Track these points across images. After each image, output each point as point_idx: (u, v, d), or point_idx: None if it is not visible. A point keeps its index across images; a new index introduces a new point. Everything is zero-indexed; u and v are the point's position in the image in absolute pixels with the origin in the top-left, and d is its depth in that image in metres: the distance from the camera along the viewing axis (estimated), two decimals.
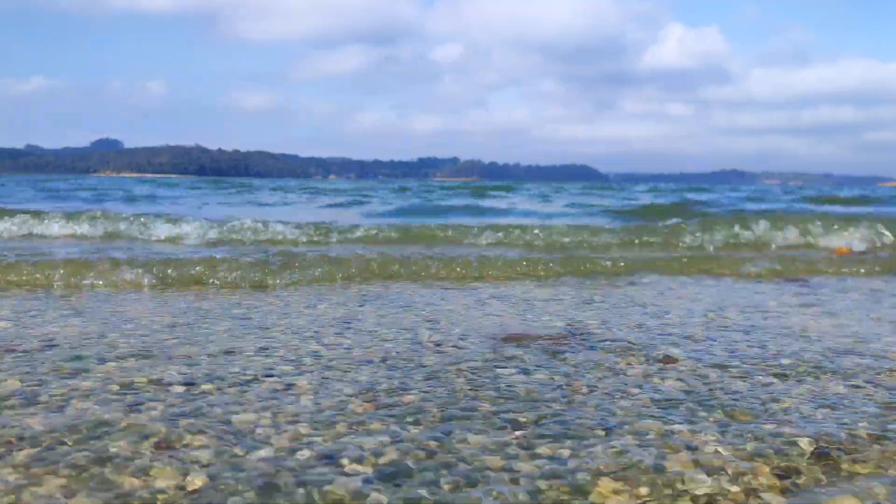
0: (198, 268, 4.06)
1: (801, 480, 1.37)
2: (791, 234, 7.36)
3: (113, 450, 1.40)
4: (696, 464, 1.40)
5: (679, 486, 1.31)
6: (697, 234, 7.29)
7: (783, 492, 1.31)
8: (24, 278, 3.84)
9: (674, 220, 8.56)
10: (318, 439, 1.49)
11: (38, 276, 3.85)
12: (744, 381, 2.01)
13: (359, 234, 7.32)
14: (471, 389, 1.88)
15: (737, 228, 7.57)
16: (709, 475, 1.35)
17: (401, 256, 4.83)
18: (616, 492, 1.28)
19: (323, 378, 1.97)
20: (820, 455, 1.46)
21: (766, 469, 1.39)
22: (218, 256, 4.53)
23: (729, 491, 1.29)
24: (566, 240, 7.08)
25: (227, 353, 2.26)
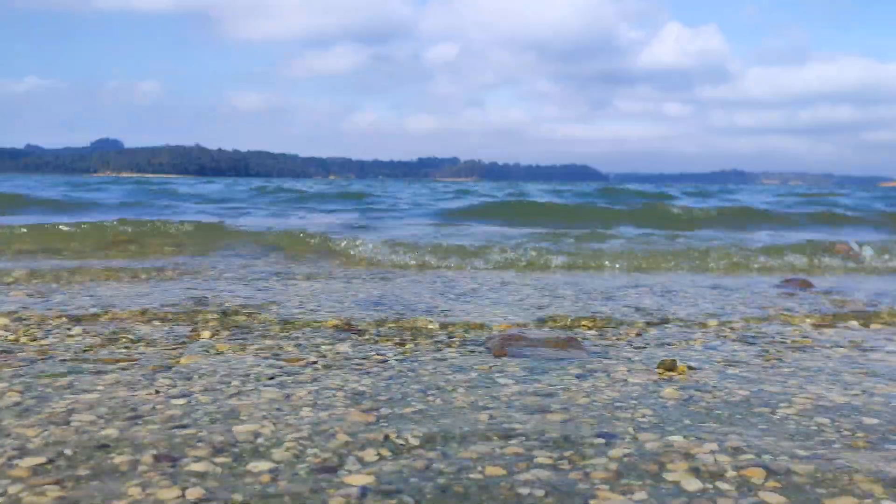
0: None
1: (798, 481, 1.37)
2: None
3: (113, 462, 1.41)
4: (694, 471, 1.40)
5: (676, 490, 1.32)
6: None
7: (781, 491, 1.31)
8: None
9: None
10: (317, 450, 1.49)
11: None
12: (745, 388, 2.01)
13: None
14: (469, 397, 1.88)
15: None
16: (705, 480, 1.36)
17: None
18: (616, 501, 1.29)
19: (323, 387, 1.97)
20: (815, 456, 1.47)
21: (763, 471, 1.40)
22: None
23: (725, 490, 1.30)
24: None
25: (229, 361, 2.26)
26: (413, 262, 5.26)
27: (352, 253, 5.60)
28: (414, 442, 1.55)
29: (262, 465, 1.41)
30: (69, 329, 2.68)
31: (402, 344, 2.54)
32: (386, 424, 1.66)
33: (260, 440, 1.54)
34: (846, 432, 1.67)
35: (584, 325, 2.97)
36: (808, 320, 3.20)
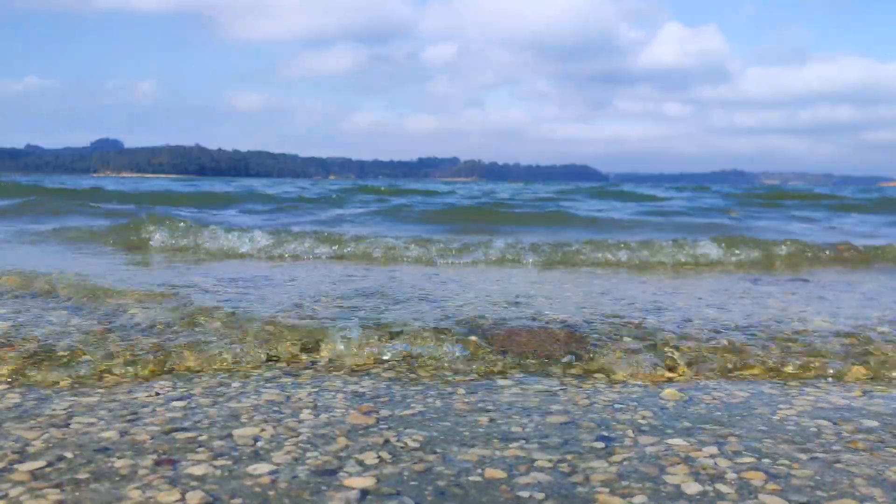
0: None
1: (798, 483, 1.37)
2: None
3: (113, 465, 1.41)
4: (694, 474, 1.40)
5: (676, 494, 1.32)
6: None
7: (781, 494, 1.31)
8: None
9: None
10: (317, 453, 1.49)
11: None
12: (745, 389, 2.01)
13: None
14: (469, 400, 1.88)
15: None
16: (704, 483, 1.36)
17: None
18: None
19: (322, 388, 1.97)
20: (815, 459, 1.47)
21: (762, 475, 1.40)
22: None
23: (725, 493, 1.30)
24: None
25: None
26: None
27: None
28: (413, 445, 1.55)
29: (262, 468, 1.41)
30: None
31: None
32: (386, 427, 1.66)
33: (260, 443, 1.54)
34: (846, 434, 1.67)
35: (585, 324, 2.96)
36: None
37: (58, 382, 1.98)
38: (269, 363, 2.22)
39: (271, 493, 1.30)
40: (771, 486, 1.37)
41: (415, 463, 1.45)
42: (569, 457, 1.50)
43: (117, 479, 1.35)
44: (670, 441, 1.60)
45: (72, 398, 1.84)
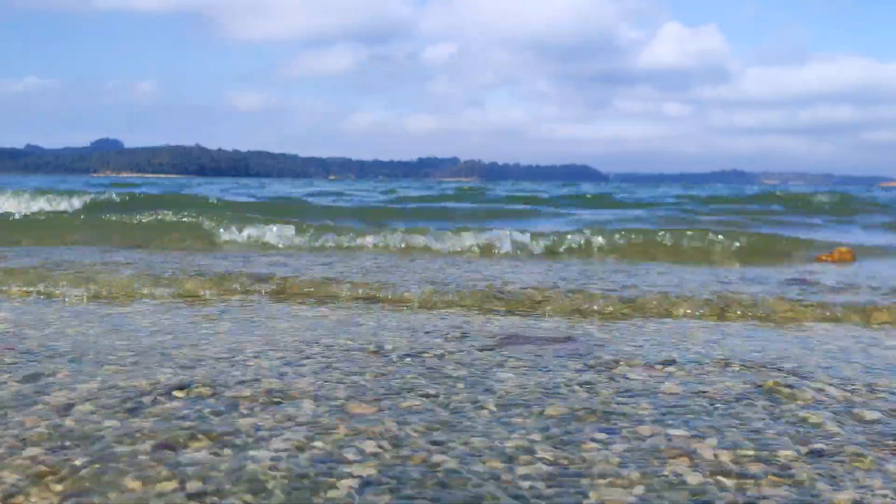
0: None
1: (799, 479, 1.37)
2: None
3: (113, 452, 1.41)
4: (694, 466, 1.40)
5: (676, 484, 1.31)
6: None
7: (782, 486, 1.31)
8: None
9: None
10: (318, 442, 1.49)
11: None
12: (741, 384, 2.01)
13: None
14: (470, 392, 1.88)
15: None
16: (705, 475, 1.35)
17: None
18: (614, 494, 1.29)
19: (323, 381, 1.97)
20: (819, 455, 1.47)
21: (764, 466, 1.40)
22: None
23: (726, 485, 1.30)
24: None
25: (227, 355, 2.26)
26: None
27: None
28: (415, 434, 1.55)
29: (263, 455, 1.41)
30: None
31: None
32: (387, 417, 1.66)
33: (261, 432, 1.54)
34: (847, 426, 1.66)
35: (586, 321, 2.96)
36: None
37: None
38: None
39: (271, 483, 1.30)
40: (772, 477, 1.37)
41: (416, 452, 1.45)
42: (569, 447, 1.49)
43: (117, 466, 1.34)
44: (671, 432, 1.59)
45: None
